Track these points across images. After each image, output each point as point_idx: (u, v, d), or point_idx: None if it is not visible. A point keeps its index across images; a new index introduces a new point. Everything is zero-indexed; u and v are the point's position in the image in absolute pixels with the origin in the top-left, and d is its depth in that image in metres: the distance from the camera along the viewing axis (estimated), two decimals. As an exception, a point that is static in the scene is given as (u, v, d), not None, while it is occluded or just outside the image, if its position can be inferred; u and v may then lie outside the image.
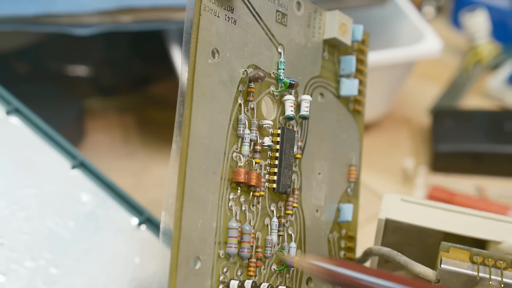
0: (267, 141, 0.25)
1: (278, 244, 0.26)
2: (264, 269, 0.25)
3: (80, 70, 0.51)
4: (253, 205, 0.25)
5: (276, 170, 0.26)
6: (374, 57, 0.43)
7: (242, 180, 0.24)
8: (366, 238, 0.31)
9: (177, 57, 0.44)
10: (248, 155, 0.25)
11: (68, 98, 0.47)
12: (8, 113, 0.34)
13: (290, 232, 0.27)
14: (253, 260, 0.24)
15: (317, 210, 0.28)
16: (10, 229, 0.30)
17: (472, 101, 0.55)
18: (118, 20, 0.42)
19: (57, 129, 0.35)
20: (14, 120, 0.34)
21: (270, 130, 0.26)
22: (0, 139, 0.33)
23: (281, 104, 0.26)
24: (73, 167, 0.33)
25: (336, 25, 0.28)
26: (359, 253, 0.29)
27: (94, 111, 0.50)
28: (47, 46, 0.51)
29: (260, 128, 0.25)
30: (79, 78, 0.51)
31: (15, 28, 0.41)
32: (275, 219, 0.26)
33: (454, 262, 0.25)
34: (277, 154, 0.26)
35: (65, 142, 0.34)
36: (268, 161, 0.26)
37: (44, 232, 0.30)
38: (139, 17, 0.42)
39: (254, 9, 0.25)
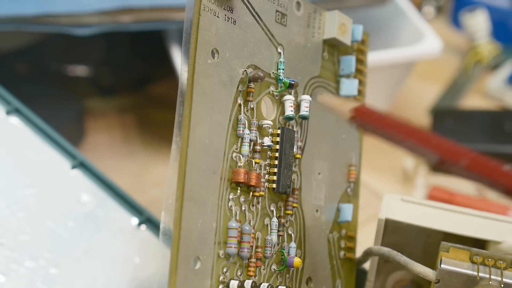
0: (267, 141, 0.25)
1: (278, 244, 0.26)
2: (264, 269, 0.25)
3: (80, 70, 0.51)
4: (253, 205, 0.25)
5: (276, 170, 0.26)
6: (374, 57, 0.43)
7: (242, 180, 0.24)
8: (366, 238, 0.31)
9: (177, 57, 0.44)
10: (247, 155, 0.25)
11: (68, 98, 0.47)
12: (8, 113, 0.34)
13: (290, 232, 0.27)
14: (253, 260, 0.24)
15: (317, 210, 0.28)
16: (10, 229, 0.30)
17: (472, 101, 0.55)
18: (118, 20, 0.42)
19: (57, 129, 0.35)
20: (14, 120, 0.34)
21: (270, 130, 0.26)
22: (0, 139, 0.33)
23: (280, 104, 0.26)
24: (73, 167, 0.33)
25: (336, 25, 0.28)
26: (359, 253, 0.29)
27: (94, 111, 0.50)
28: (47, 46, 0.51)
29: (260, 128, 0.25)
30: (79, 78, 0.51)
31: (15, 28, 0.41)
32: (275, 219, 0.26)
33: (454, 262, 0.25)
34: (277, 154, 0.26)
35: (65, 142, 0.34)
36: (268, 161, 0.26)
37: (44, 232, 0.30)
38: (139, 17, 0.42)
39: (254, 9, 0.25)
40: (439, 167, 0.20)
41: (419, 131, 0.21)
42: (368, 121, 0.22)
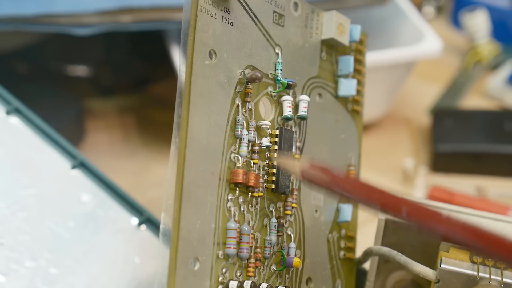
0: (265, 141, 0.25)
1: (277, 245, 0.26)
2: (263, 270, 0.25)
3: (80, 70, 0.51)
4: (251, 206, 0.25)
5: (274, 170, 0.26)
6: (374, 57, 0.43)
7: (241, 181, 0.24)
8: (366, 238, 0.31)
9: (177, 57, 0.44)
10: (246, 156, 0.25)
11: (68, 98, 0.47)
12: (8, 113, 0.34)
13: (289, 232, 0.27)
14: (252, 260, 0.24)
15: (316, 210, 0.28)
16: (10, 229, 0.30)
17: (472, 101, 0.55)
18: (118, 20, 0.42)
19: (57, 129, 0.35)
20: (14, 120, 0.34)
21: (268, 130, 0.26)
22: (0, 139, 0.33)
23: (279, 104, 0.27)
24: (73, 167, 0.33)
25: (334, 25, 0.28)
26: (359, 253, 0.29)
27: (94, 111, 0.50)
28: (47, 46, 0.51)
29: (258, 128, 0.25)
30: (79, 78, 0.51)
31: (15, 28, 0.41)
32: (274, 220, 0.26)
33: (454, 262, 0.25)
34: (276, 155, 0.26)
35: (65, 142, 0.34)
36: (267, 161, 0.26)
37: (44, 232, 0.30)
38: (139, 17, 0.42)
39: (251, 10, 0.25)
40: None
41: (362, 187, 0.22)
42: (317, 179, 0.23)
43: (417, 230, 0.21)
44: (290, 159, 0.26)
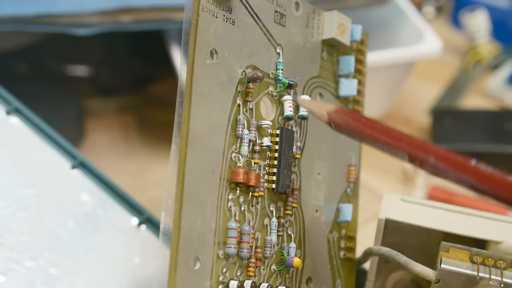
0: (266, 141, 0.25)
1: (277, 244, 0.26)
2: (263, 269, 0.25)
3: (80, 70, 0.51)
4: (252, 206, 0.25)
5: (275, 170, 0.25)
6: (374, 57, 0.43)
7: (241, 181, 0.24)
8: (366, 238, 0.31)
9: (177, 57, 0.44)
10: (247, 156, 0.25)
11: (68, 98, 0.47)
12: (8, 113, 0.34)
13: (289, 232, 0.27)
14: (253, 260, 0.24)
15: (316, 210, 0.28)
16: (10, 229, 0.30)
17: (472, 101, 0.55)
18: (118, 20, 0.42)
19: (57, 129, 0.35)
20: (14, 120, 0.34)
21: (269, 130, 0.26)
22: (0, 139, 0.33)
23: (280, 104, 0.27)
24: (73, 167, 0.33)
25: (335, 25, 0.28)
26: (359, 253, 0.29)
27: (94, 111, 0.50)
28: (47, 46, 0.51)
29: (259, 128, 0.25)
30: (79, 78, 0.51)
31: (15, 28, 0.41)
32: (274, 219, 0.26)
33: (454, 262, 0.25)
34: (276, 155, 0.26)
35: (65, 142, 0.34)
36: (267, 161, 0.26)
37: (44, 232, 0.30)
38: (139, 17, 0.42)
39: (253, 10, 0.25)
40: (411, 164, 0.21)
41: (390, 131, 0.22)
42: (344, 123, 0.22)
43: (446, 178, 0.20)
44: (317, 101, 0.26)
